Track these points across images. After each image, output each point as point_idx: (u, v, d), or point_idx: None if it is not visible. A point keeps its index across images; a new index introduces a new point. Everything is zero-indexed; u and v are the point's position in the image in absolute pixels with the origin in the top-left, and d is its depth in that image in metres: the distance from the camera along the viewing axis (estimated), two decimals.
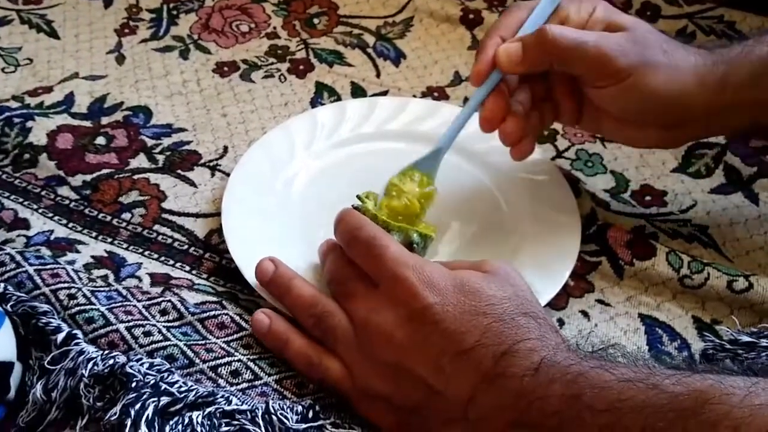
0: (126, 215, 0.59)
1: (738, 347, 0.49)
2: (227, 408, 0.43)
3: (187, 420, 0.42)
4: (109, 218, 0.59)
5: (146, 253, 0.57)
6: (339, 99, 0.71)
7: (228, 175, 0.61)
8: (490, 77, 0.52)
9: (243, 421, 0.42)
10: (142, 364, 0.44)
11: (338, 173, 0.62)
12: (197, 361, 0.46)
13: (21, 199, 0.60)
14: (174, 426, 0.41)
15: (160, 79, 0.72)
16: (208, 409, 0.42)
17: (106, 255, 0.56)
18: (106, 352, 0.45)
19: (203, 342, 0.48)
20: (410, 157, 0.61)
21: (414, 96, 0.71)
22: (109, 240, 0.57)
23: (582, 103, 0.54)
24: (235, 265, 0.53)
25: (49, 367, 0.44)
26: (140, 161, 0.64)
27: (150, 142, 0.65)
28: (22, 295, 0.48)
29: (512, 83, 0.54)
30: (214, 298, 0.52)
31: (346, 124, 0.65)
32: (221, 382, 0.46)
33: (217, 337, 0.48)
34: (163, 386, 0.43)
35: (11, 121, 0.65)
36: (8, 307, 0.47)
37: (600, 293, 0.55)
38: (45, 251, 0.55)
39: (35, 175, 0.62)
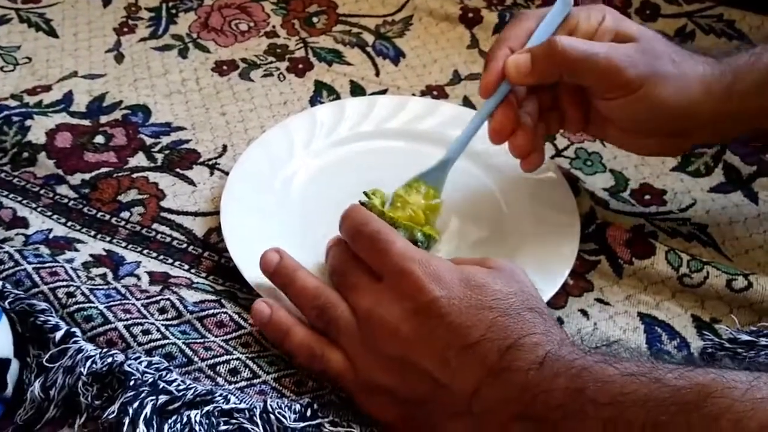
0: (125, 214, 0.59)
1: (737, 346, 0.49)
2: (225, 407, 0.43)
3: (185, 419, 0.42)
4: (107, 217, 0.59)
5: (145, 251, 0.57)
6: (338, 98, 0.71)
7: (227, 173, 0.61)
8: (499, 89, 0.52)
9: (241, 419, 0.42)
10: (140, 363, 0.44)
11: (337, 172, 0.62)
12: (196, 359, 0.46)
13: (20, 198, 0.60)
14: (172, 425, 0.41)
15: (159, 77, 0.72)
16: (207, 408, 0.42)
17: (104, 253, 0.56)
18: (105, 350, 0.44)
19: (202, 340, 0.48)
20: (409, 156, 0.61)
21: (413, 95, 0.71)
22: (108, 239, 0.57)
23: (588, 112, 0.54)
24: (233, 263, 0.53)
25: (47, 365, 0.44)
26: (139, 160, 0.64)
27: (149, 141, 0.65)
28: (20, 293, 0.48)
29: (520, 94, 0.54)
30: (213, 297, 0.52)
31: (345, 122, 0.65)
32: (220, 380, 0.45)
33: (216, 336, 0.48)
34: (162, 385, 0.43)
35: (10, 119, 0.65)
36: (6, 304, 0.47)
37: (599, 292, 0.55)
38: (44, 250, 0.55)
39: (34, 173, 0.62)
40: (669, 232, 0.58)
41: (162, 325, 0.48)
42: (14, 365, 0.44)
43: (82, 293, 0.49)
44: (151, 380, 0.43)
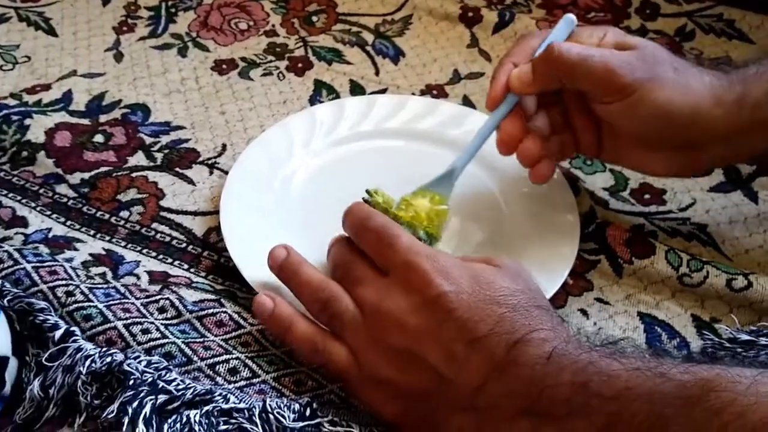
0: (124, 213, 0.59)
1: (737, 345, 0.49)
2: (225, 406, 0.42)
3: (185, 418, 0.42)
4: (107, 216, 0.59)
5: (144, 251, 0.57)
6: (338, 97, 0.71)
7: (226, 173, 0.61)
8: (506, 101, 0.53)
9: (240, 419, 0.42)
10: (139, 362, 0.44)
11: (337, 171, 0.61)
12: (195, 358, 0.46)
13: (19, 197, 0.60)
14: (172, 424, 0.41)
15: (158, 76, 0.72)
16: (206, 408, 0.42)
17: (104, 253, 0.56)
18: (104, 349, 0.44)
19: (201, 340, 0.48)
20: (409, 155, 0.61)
21: (413, 94, 0.71)
22: (108, 238, 0.57)
23: (600, 132, 0.54)
24: (233, 263, 0.53)
25: (46, 363, 0.44)
26: (138, 159, 0.64)
27: (148, 140, 0.65)
28: (19, 291, 0.48)
29: (529, 109, 0.54)
30: (213, 296, 0.52)
31: (344, 122, 0.65)
32: (219, 379, 0.45)
33: (215, 335, 0.48)
34: (161, 384, 0.43)
35: (9, 118, 0.65)
36: (5, 303, 0.47)
37: (599, 292, 0.55)
38: (43, 249, 0.55)
39: (33, 173, 0.62)
40: (669, 231, 0.58)
41: (161, 324, 0.48)
42: (12, 363, 0.44)
43: (82, 292, 0.49)
44: (150, 380, 0.42)
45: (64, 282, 0.49)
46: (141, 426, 0.40)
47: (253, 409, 0.42)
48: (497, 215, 0.59)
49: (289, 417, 0.42)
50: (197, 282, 0.54)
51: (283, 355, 0.48)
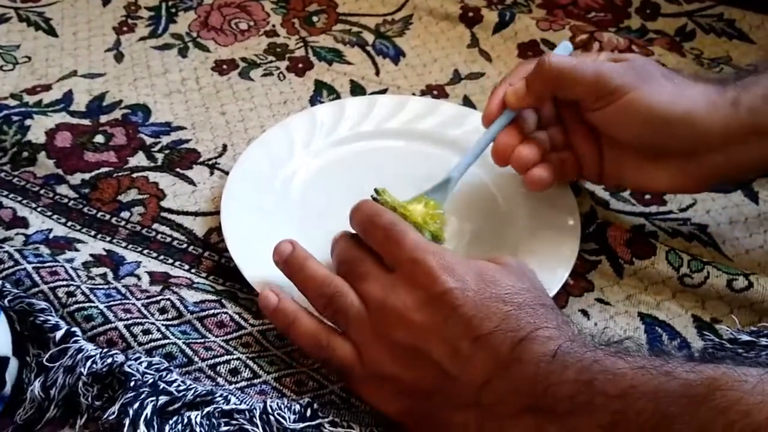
0: (125, 214, 0.59)
1: (738, 346, 0.49)
2: (226, 407, 0.43)
3: (186, 420, 0.42)
4: (107, 217, 0.59)
5: (145, 251, 0.57)
6: (338, 97, 0.71)
7: (227, 173, 0.61)
8: (502, 116, 0.54)
9: (241, 420, 0.42)
10: (140, 363, 0.44)
11: (337, 171, 0.61)
12: (196, 359, 0.46)
13: (20, 198, 0.60)
14: (173, 426, 0.41)
15: (158, 77, 0.72)
16: (207, 409, 0.42)
17: (104, 253, 0.56)
18: (105, 350, 0.44)
19: (202, 340, 0.48)
20: (409, 156, 0.61)
21: (413, 94, 0.71)
22: (108, 239, 0.57)
23: (601, 151, 0.55)
24: (234, 263, 0.53)
25: (47, 364, 0.44)
26: (139, 160, 0.64)
27: (149, 141, 0.65)
28: (20, 292, 0.48)
29: (529, 127, 0.55)
30: (213, 297, 0.52)
31: (345, 122, 0.65)
32: (220, 380, 0.45)
33: (216, 336, 0.48)
34: (162, 385, 0.43)
35: (9, 119, 0.65)
36: (5, 303, 0.47)
37: (600, 292, 0.55)
38: (44, 249, 0.55)
39: (34, 173, 0.62)
40: (669, 232, 0.58)
41: (162, 325, 0.48)
42: (13, 364, 0.44)
43: (83, 293, 0.49)
44: (151, 381, 0.43)
45: (64, 282, 0.49)
46: (142, 427, 0.40)
47: (254, 410, 0.42)
48: (497, 215, 0.59)
49: (289, 418, 0.42)
50: (198, 283, 0.54)
51: (284, 356, 0.48)
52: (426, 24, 0.79)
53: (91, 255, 0.55)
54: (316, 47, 0.76)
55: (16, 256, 0.51)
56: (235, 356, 0.47)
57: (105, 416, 0.41)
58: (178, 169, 0.63)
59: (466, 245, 0.56)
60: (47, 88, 0.70)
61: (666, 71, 0.52)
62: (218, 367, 0.46)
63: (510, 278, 0.43)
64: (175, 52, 0.75)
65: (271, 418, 0.42)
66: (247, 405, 0.43)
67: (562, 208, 0.58)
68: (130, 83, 0.71)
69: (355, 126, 0.65)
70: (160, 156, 0.64)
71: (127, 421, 0.41)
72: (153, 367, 0.44)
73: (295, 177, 0.61)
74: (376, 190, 0.51)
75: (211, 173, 0.63)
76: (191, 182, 0.62)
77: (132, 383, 0.42)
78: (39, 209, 0.59)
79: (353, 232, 0.49)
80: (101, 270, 0.54)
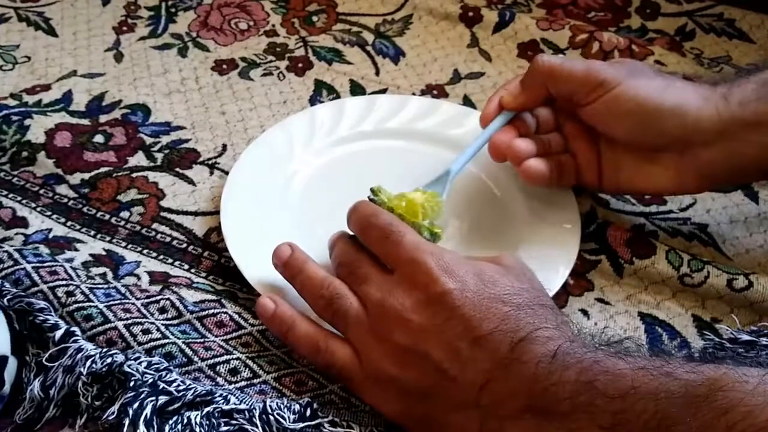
0: (124, 213, 0.59)
1: (738, 346, 0.48)
2: (225, 407, 0.42)
3: (185, 420, 0.42)
4: (107, 217, 0.59)
5: (145, 251, 0.57)
6: (338, 97, 0.71)
7: (227, 173, 0.61)
8: (499, 117, 0.55)
9: (241, 420, 0.42)
10: (140, 363, 0.43)
11: (337, 171, 0.61)
12: (196, 359, 0.46)
13: (19, 198, 0.60)
14: (173, 426, 0.41)
15: (158, 77, 0.72)
16: (207, 409, 0.42)
17: (104, 253, 0.56)
18: (105, 350, 0.44)
19: (202, 340, 0.48)
20: (409, 155, 0.61)
21: (413, 94, 0.71)
22: (108, 238, 0.57)
23: (599, 154, 0.55)
24: (233, 263, 0.53)
25: (46, 364, 0.44)
26: (139, 159, 0.63)
27: (148, 140, 0.65)
28: (19, 291, 0.48)
29: (526, 130, 0.56)
30: (213, 297, 0.52)
31: (345, 122, 0.65)
32: (220, 380, 0.45)
33: (216, 336, 0.48)
34: (162, 385, 0.43)
35: (9, 119, 0.65)
36: (4, 302, 0.47)
37: (600, 292, 0.55)
38: (43, 249, 0.54)
39: (33, 173, 0.62)
40: (669, 231, 0.58)
41: (162, 324, 0.48)
42: (12, 363, 0.44)
43: (82, 292, 0.49)
44: (150, 381, 0.42)
45: (64, 282, 0.49)
46: (142, 427, 0.40)
47: (254, 410, 0.42)
48: (498, 215, 0.59)
49: (289, 418, 0.42)
50: (198, 282, 0.54)
51: (283, 356, 0.48)
52: (426, 24, 0.79)
53: (91, 255, 0.55)
54: (315, 47, 0.76)
55: (16, 255, 0.51)
56: (234, 356, 0.47)
57: (105, 416, 0.41)
58: (177, 169, 0.63)
59: (466, 245, 0.56)
60: (47, 87, 0.70)
61: (658, 70, 0.53)
62: (218, 367, 0.46)
63: (509, 279, 0.43)
64: (174, 52, 0.75)
65: (271, 417, 0.42)
66: (247, 405, 0.43)
67: (562, 208, 0.57)
68: (129, 83, 0.71)
69: (355, 126, 0.65)
70: (159, 156, 0.64)
71: (126, 421, 0.41)
72: (153, 367, 0.44)
73: (295, 177, 0.61)
74: (372, 190, 0.51)
75: (211, 173, 0.63)
76: (191, 182, 0.62)
77: (132, 383, 0.42)
78: (38, 209, 0.59)
79: (350, 232, 0.49)
80: (101, 270, 0.54)
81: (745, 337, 0.48)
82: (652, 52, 0.72)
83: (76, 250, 0.56)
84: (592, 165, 0.56)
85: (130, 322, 0.47)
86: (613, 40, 0.73)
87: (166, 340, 0.47)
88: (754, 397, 0.33)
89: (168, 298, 0.50)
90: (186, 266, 0.56)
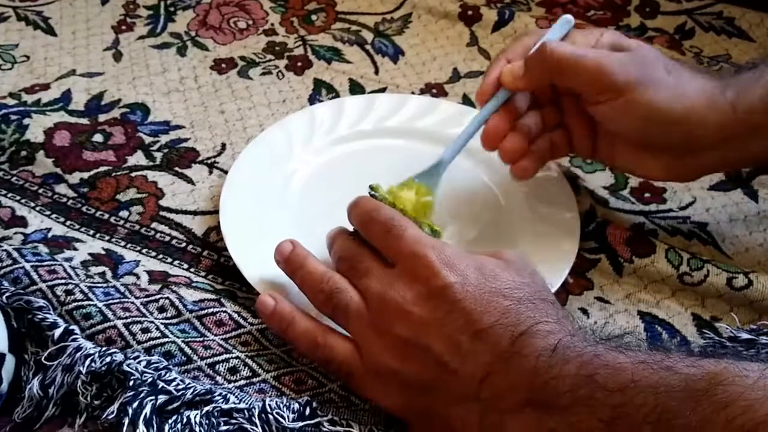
0: (124, 213, 0.59)
1: (737, 344, 0.48)
2: (225, 406, 0.42)
3: (185, 419, 0.42)
4: (106, 216, 0.59)
5: (144, 250, 0.56)
6: (337, 96, 0.71)
7: (226, 172, 0.61)
8: (496, 96, 0.53)
9: (240, 419, 0.42)
10: (139, 362, 0.43)
11: (336, 170, 0.61)
12: (195, 358, 0.46)
13: (18, 197, 0.60)
14: (173, 425, 0.41)
15: (157, 76, 0.72)
16: (206, 408, 0.42)
17: (103, 252, 0.56)
18: (104, 349, 0.44)
19: (201, 339, 0.48)
20: (409, 154, 0.61)
21: (412, 93, 0.71)
22: (107, 238, 0.57)
23: (595, 132, 0.54)
24: (233, 262, 0.53)
25: (45, 362, 0.44)
26: (138, 159, 0.63)
27: (147, 140, 0.65)
28: (18, 289, 0.48)
29: (521, 107, 0.54)
30: (212, 296, 0.52)
31: (344, 121, 0.65)
32: (219, 379, 0.45)
33: (215, 335, 0.48)
34: (161, 384, 0.42)
35: (8, 118, 0.65)
36: (3, 299, 0.47)
37: (599, 291, 0.55)
38: (42, 248, 0.54)
39: (32, 172, 0.62)
40: (669, 230, 0.58)
41: (161, 323, 0.48)
42: (9, 360, 0.44)
43: (81, 291, 0.49)
44: (150, 380, 0.42)
45: (63, 281, 0.49)
46: (141, 427, 0.40)
47: (253, 410, 0.42)
48: (497, 214, 0.59)
49: (288, 417, 0.42)
50: (197, 281, 0.54)
51: (283, 354, 0.48)
52: (425, 22, 0.79)
53: (90, 254, 0.55)
54: (315, 46, 0.76)
55: (15, 254, 0.51)
56: (234, 355, 0.47)
57: (104, 415, 0.41)
58: (176, 168, 0.63)
59: (467, 244, 0.56)
60: (46, 87, 0.70)
61: (668, 63, 0.51)
62: (217, 366, 0.46)
63: (510, 273, 0.43)
64: (173, 51, 0.75)
65: (270, 416, 0.42)
66: (246, 404, 0.43)
67: (561, 207, 0.57)
68: (128, 82, 0.71)
69: (354, 125, 0.65)
70: (158, 155, 0.64)
71: (126, 421, 0.40)
72: (152, 366, 0.44)
73: (294, 176, 0.61)
74: (371, 187, 0.51)
75: (210, 172, 0.63)
76: (190, 181, 0.62)
77: (131, 382, 0.42)
78: (38, 208, 0.59)
79: (349, 228, 0.49)
80: (100, 269, 0.54)
81: (745, 336, 0.48)
82: None
83: (75, 249, 0.56)
84: (587, 142, 0.55)
85: (129, 320, 0.47)
86: None
87: (166, 339, 0.47)
88: (753, 391, 0.33)
89: (167, 297, 0.50)
90: (185, 265, 0.56)
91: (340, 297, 0.45)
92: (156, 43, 0.76)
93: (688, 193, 0.61)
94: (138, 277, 0.54)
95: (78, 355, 0.44)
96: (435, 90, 0.72)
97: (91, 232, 0.58)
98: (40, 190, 0.61)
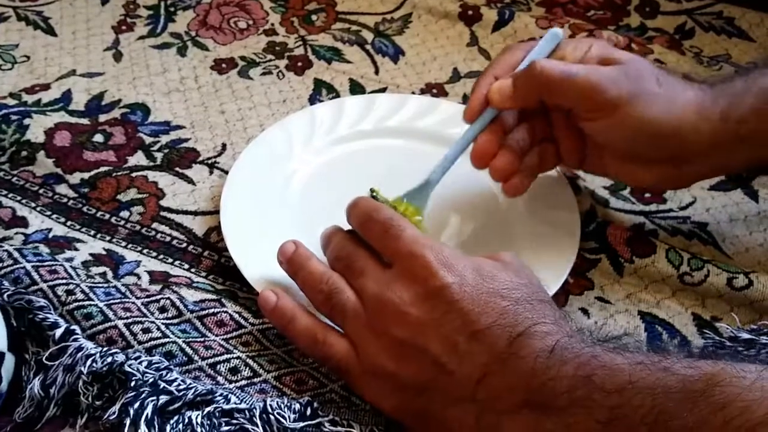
0: (124, 213, 0.59)
1: (738, 344, 0.49)
2: (226, 407, 0.42)
3: (186, 419, 0.42)
4: (107, 216, 0.59)
5: (145, 251, 0.57)
6: (337, 96, 0.71)
7: (226, 172, 0.61)
8: (484, 114, 0.53)
9: (242, 420, 0.42)
10: (140, 363, 0.43)
11: (337, 170, 0.61)
12: (196, 358, 0.46)
13: (19, 197, 0.60)
14: (174, 425, 0.41)
15: (157, 76, 0.72)
16: (207, 409, 0.42)
17: (104, 253, 0.56)
18: (105, 349, 0.44)
19: (202, 339, 0.48)
20: (409, 154, 0.61)
21: (413, 93, 0.71)
22: (108, 238, 0.57)
23: (584, 144, 0.54)
24: (233, 262, 0.53)
25: (46, 362, 0.44)
26: (138, 159, 0.63)
27: (148, 140, 0.65)
28: (19, 288, 0.48)
29: (509, 123, 0.54)
30: (213, 296, 0.52)
31: (344, 121, 0.65)
32: (220, 379, 0.45)
33: (216, 335, 0.48)
34: (162, 385, 0.43)
35: (8, 118, 0.65)
36: (3, 298, 0.47)
37: (600, 291, 0.55)
38: (43, 249, 0.54)
39: (33, 172, 0.62)
40: (669, 230, 0.58)
41: (162, 323, 0.48)
42: (9, 359, 0.44)
43: (82, 291, 0.49)
44: (151, 380, 0.42)
45: (64, 281, 0.49)
46: (143, 427, 0.40)
47: (254, 410, 0.42)
48: (497, 215, 0.59)
49: (289, 417, 0.42)
50: (198, 282, 0.54)
51: (284, 355, 0.48)
52: (425, 22, 0.79)
53: (91, 254, 0.55)
54: (315, 46, 0.76)
55: (15, 254, 0.51)
56: (235, 355, 0.47)
57: (105, 416, 0.41)
58: (177, 169, 0.63)
59: (466, 244, 0.56)
60: (46, 87, 0.70)
61: (659, 74, 0.51)
62: (218, 366, 0.46)
63: (508, 274, 0.43)
64: (174, 51, 0.75)
65: (271, 417, 0.42)
66: (247, 404, 0.43)
67: (562, 207, 0.58)
68: (129, 82, 0.71)
69: (355, 125, 0.65)
70: (159, 155, 0.64)
71: (127, 421, 0.41)
72: (153, 367, 0.44)
73: (295, 176, 0.61)
74: (372, 190, 0.51)
75: (211, 172, 0.63)
76: (190, 181, 0.62)
77: (132, 383, 0.42)
78: (38, 209, 0.59)
79: (345, 228, 0.49)
80: (101, 269, 0.54)
81: (745, 336, 0.49)
82: (652, 51, 0.72)
83: (76, 249, 0.56)
84: (576, 154, 0.54)
85: (130, 320, 0.47)
86: (612, 39, 0.73)
87: (167, 339, 0.47)
88: (751, 392, 0.33)
89: (168, 298, 0.50)
90: (186, 266, 0.56)
91: (337, 297, 0.45)
92: (156, 43, 0.76)
93: (688, 193, 0.61)
94: (139, 278, 0.54)
95: (79, 355, 0.44)
96: (435, 90, 0.72)
97: (92, 232, 0.58)
98: (41, 191, 0.61)
